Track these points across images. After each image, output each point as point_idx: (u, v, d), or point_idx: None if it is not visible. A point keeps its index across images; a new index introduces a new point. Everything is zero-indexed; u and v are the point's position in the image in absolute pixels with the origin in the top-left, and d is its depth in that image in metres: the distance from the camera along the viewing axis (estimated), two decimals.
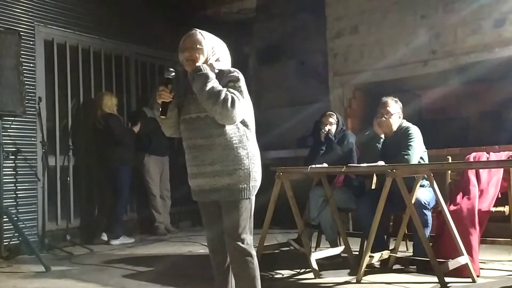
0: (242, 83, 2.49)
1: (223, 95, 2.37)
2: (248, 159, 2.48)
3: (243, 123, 2.52)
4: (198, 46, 2.50)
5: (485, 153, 4.24)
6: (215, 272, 2.65)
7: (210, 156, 2.46)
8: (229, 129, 2.46)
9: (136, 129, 5.90)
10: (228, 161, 2.45)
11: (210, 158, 2.46)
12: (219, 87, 2.40)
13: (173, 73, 2.55)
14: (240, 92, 2.45)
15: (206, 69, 2.45)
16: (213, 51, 2.54)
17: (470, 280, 3.37)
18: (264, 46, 7.85)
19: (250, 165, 2.48)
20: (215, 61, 2.55)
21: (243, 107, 2.44)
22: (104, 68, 6.34)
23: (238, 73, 2.50)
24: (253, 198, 2.53)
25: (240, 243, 2.47)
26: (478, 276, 3.44)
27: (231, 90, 2.43)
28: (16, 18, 5.34)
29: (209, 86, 2.39)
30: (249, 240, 2.50)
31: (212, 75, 2.44)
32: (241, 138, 2.49)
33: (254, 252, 2.52)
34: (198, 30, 2.56)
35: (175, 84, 2.58)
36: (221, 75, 2.51)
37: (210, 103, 2.38)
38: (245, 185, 2.47)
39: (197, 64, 2.47)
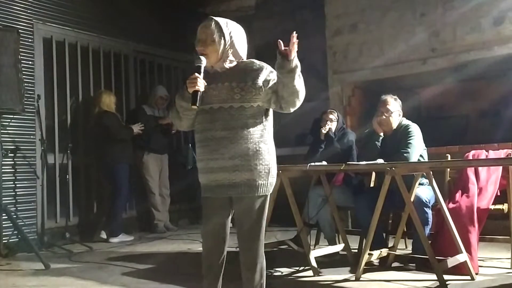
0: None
1: (303, 83, 2.31)
2: (268, 154, 2.38)
3: (267, 115, 2.42)
4: (211, 40, 2.36)
5: (484, 151, 4.24)
6: (206, 272, 2.53)
7: (232, 149, 2.33)
8: (253, 122, 2.35)
9: (136, 128, 5.83)
10: (249, 155, 2.33)
11: (232, 151, 2.32)
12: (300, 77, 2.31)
13: (205, 61, 2.36)
14: None
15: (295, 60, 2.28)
16: (231, 40, 2.40)
17: (469, 277, 3.38)
18: (263, 44, 7.83)
19: (270, 160, 2.38)
20: (234, 52, 2.42)
21: None
22: (103, 66, 6.33)
23: (269, 67, 2.43)
24: (269, 195, 2.43)
25: (255, 243, 2.38)
26: (477, 274, 3.45)
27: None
28: (14, 15, 5.33)
29: (298, 78, 2.29)
30: (263, 240, 2.42)
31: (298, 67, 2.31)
32: (263, 132, 2.38)
33: (263, 254, 2.44)
34: (214, 19, 2.40)
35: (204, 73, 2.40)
36: (246, 69, 2.40)
37: (296, 96, 2.33)
38: (265, 182, 2.36)
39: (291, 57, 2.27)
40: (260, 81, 2.36)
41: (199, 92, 2.30)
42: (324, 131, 4.47)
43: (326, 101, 6.11)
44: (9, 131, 5.03)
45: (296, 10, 7.26)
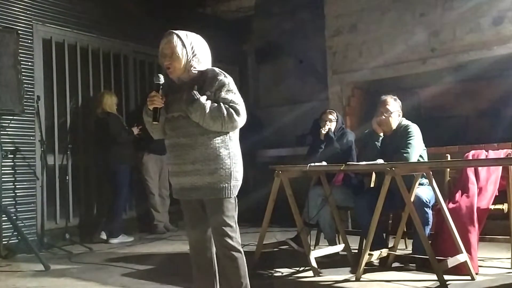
0: (232, 84, 2.50)
1: (225, 112, 2.41)
2: (229, 159, 2.50)
3: None
4: (175, 54, 2.48)
5: (483, 151, 4.24)
6: (197, 274, 2.66)
7: (192, 154, 2.48)
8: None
9: (136, 130, 5.82)
10: (210, 160, 2.47)
11: (192, 157, 2.48)
12: (215, 106, 2.42)
13: (161, 78, 2.54)
14: (234, 94, 2.49)
15: (196, 95, 2.44)
16: (193, 53, 2.52)
17: (469, 277, 3.38)
18: (263, 44, 7.84)
19: (231, 165, 2.50)
20: (196, 62, 2.53)
21: (244, 107, 2.50)
22: (102, 67, 6.33)
23: (224, 76, 2.50)
24: (235, 197, 2.54)
25: (228, 241, 2.49)
26: (476, 274, 3.45)
27: (227, 97, 2.45)
28: (14, 16, 5.33)
29: (207, 111, 2.41)
30: (237, 238, 2.52)
31: (204, 100, 2.42)
32: (224, 138, 2.51)
33: (241, 250, 2.54)
34: (176, 33, 2.52)
35: (165, 87, 2.58)
36: (205, 78, 2.51)
37: (219, 125, 2.43)
38: (226, 185, 2.48)
39: (192, 94, 2.44)
40: (212, 90, 2.49)
41: (158, 109, 2.49)
42: (323, 131, 4.46)
43: (325, 101, 6.11)
44: (8, 132, 5.02)
45: (295, 10, 7.26)
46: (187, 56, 2.50)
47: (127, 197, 5.87)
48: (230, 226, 2.50)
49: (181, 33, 2.54)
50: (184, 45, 2.50)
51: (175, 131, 2.53)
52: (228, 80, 2.50)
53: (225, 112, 2.42)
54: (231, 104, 2.45)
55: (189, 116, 2.45)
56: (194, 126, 2.46)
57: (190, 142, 2.48)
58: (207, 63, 2.60)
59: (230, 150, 2.51)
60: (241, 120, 2.48)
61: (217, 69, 2.54)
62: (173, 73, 2.53)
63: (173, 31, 2.53)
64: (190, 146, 2.48)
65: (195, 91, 2.45)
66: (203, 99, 2.43)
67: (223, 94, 2.46)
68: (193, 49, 2.52)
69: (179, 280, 3.59)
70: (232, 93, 2.48)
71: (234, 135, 2.56)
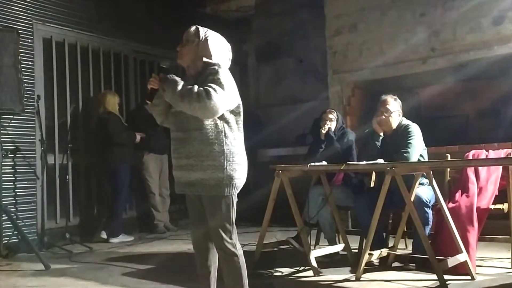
0: (222, 75, 2.44)
1: (195, 90, 2.37)
2: (223, 156, 2.45)
3: (224, 119, 2.49)
4: (187, 43, 2.55)
5: (484, 150, 4.24)
6: (199, 268, 2.70)
7: (187, 149, 2.48)
8: (207, 124, 2.45)
9: (138, 137, 5.86)
10: (202, 156, 2.45)
11: (186, 151, 2.49)
12: (189, 86, 2.41)
13: (168, 63, 2.61)
14: (219, 84, 2.40)
15: (171, 76, 2.48)
16: (205, 44, 2.54)
17: (469, 277, 3.38)
18: (263, 44, 7.85)
19: (225, 162, 2.45)
20: (206, 54, 2.54)
21: (223, 97, 2.39)
22: (103, 66, 6.33)
23: (218, 67, 2.49)
24: (232, 197, 2.50)
25: (223, 242, 2.49)
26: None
27: (209, 84, 2.40)
28: (14, 16, 5.33)
29: (178, 88, 2.40)
30: (231, 238, 2.50)
31: (178, 79, 2.45)
32: (218, 134, 2.47)
33: (238, 251, 2.52)
34: (195, 26, 2.59)
35: (173, 74, 2.59)
36: (206, 67, 2.52)
37: (186, 103, 2.38)
38: (219, 182, 2.45)
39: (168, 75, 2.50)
40: (203, 78, 2.48)
41: (156, 91, 2.53)
42: (323, 131, 4.46)
43: (326, 101, 6.11)
44: (9, 132, 5.03)
45: (295, 10, 7.26)
46: (198, 45, 2.53)
47: (127, 196, 5.87)
48: (225, 227, 2.48)
49: (202, 28, 2.59)
50: (198, 35, 2.55)
51: (175, 125, 2.56)
52: (219, 69, 2.47)
53: (195, 91, 2.36)
54: (206, 87, 2.37)
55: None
56: (190, 121, 2.46)
57: (185, 137, 2.49)
58: (218, 62, 2.57)
59: (225, 147, 2.47)
60: (212, 104, 2.34)
61: (218, 63, 2.54)
62: (180, 58, 2.57)
63: (196, 25, 2.61)
64: (185, 140, 2.49)
65: (172, 74, 2.49)
66: (177, 78, 2.47)
67: (209, 78, 2.44)
68: (206, 42, 2.54)
69: (179, 280, 3.59)
70: (218, 82, 2.41)
71: (232, 133, 2.50)
